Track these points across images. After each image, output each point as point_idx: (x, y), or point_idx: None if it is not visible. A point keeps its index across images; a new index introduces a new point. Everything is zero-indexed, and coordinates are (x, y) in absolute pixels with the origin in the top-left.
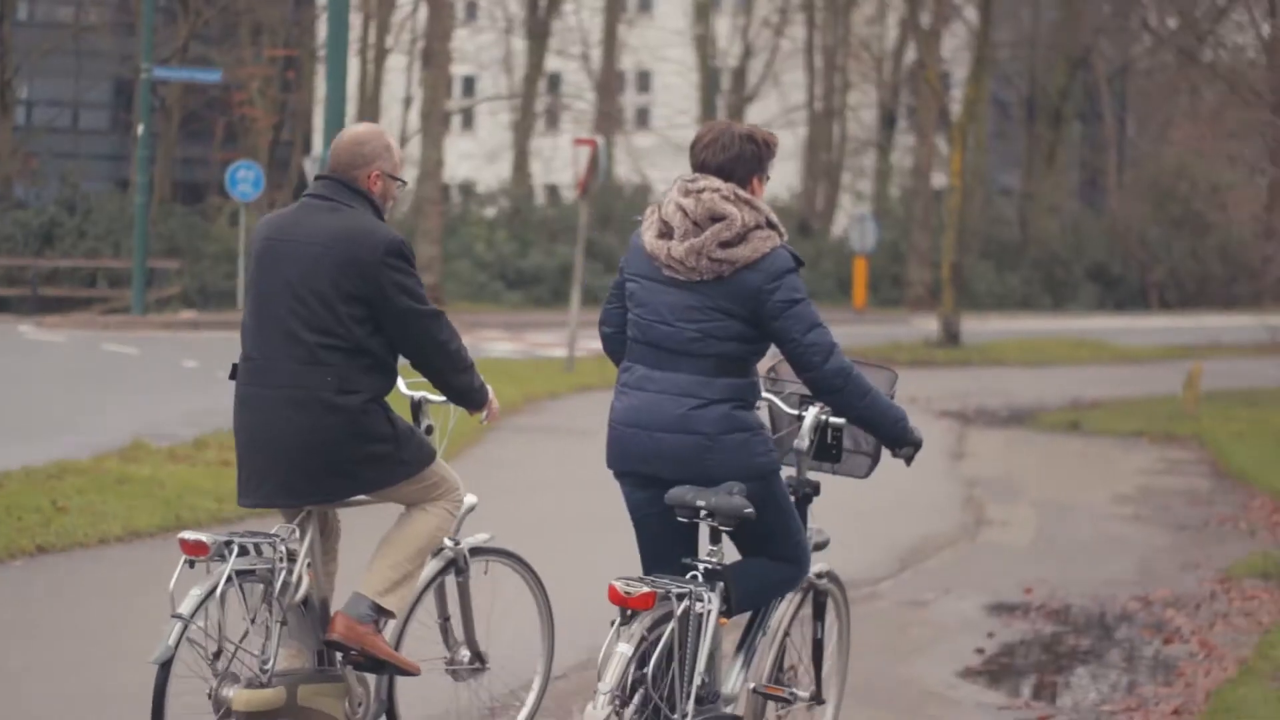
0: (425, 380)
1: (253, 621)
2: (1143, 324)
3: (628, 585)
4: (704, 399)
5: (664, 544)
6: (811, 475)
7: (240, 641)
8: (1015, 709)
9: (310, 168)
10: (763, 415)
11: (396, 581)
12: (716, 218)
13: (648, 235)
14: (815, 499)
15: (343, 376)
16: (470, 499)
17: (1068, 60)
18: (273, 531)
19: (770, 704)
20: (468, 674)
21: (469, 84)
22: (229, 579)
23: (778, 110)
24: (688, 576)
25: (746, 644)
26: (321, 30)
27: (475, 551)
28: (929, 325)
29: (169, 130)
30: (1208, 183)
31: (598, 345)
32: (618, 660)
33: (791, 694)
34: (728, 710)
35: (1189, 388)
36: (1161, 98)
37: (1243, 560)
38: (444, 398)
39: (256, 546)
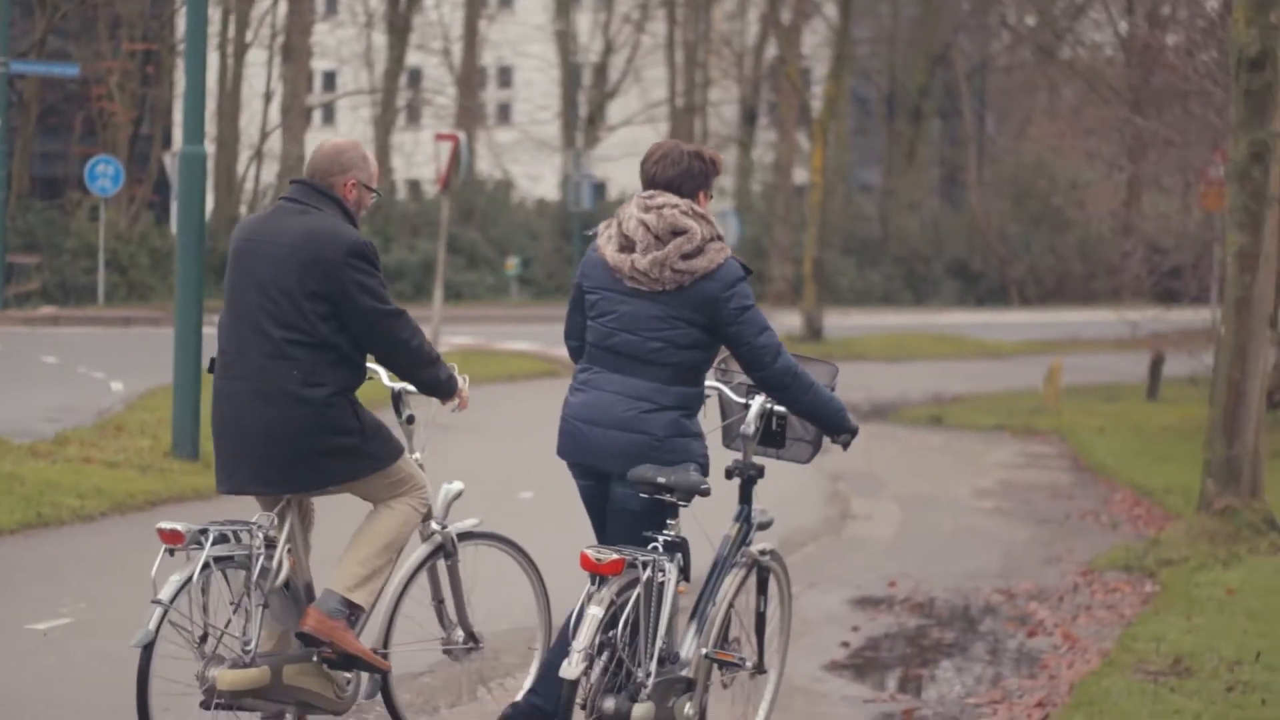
0: None
1: (235, 606)
2: (1003, 319)
3: (598, 553)
4: (657, 404)
5: (609, 524)
6: (757, 460)
7: (225, 626)
8: (881, 702)
9: (170, 162)
10: (712, 404)
11: (365, 577)
12: (678, 231)
13: (609, 249)
14: (759, 481)
15: (308, 370)
16: (457, 485)
17: (927, 57)
18: (253, 520)
19: (716, 668)
20: (463, 653)
21: (330, 79)
22: (208, 565)
23: (639, 106)
24: (649, 548)
25: (698, 613)
26: (181, 24)
27: (464, 536)
28: (792, 320)
29: (26, 124)
30: (1066, 179)
31: (462, 340)
32: (590, 621)
33: (740, 659)
34: (682, 673)
35: (1049, 383)
36: (1020, 95)
37: (1104, 553)
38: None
39: (235, 534)
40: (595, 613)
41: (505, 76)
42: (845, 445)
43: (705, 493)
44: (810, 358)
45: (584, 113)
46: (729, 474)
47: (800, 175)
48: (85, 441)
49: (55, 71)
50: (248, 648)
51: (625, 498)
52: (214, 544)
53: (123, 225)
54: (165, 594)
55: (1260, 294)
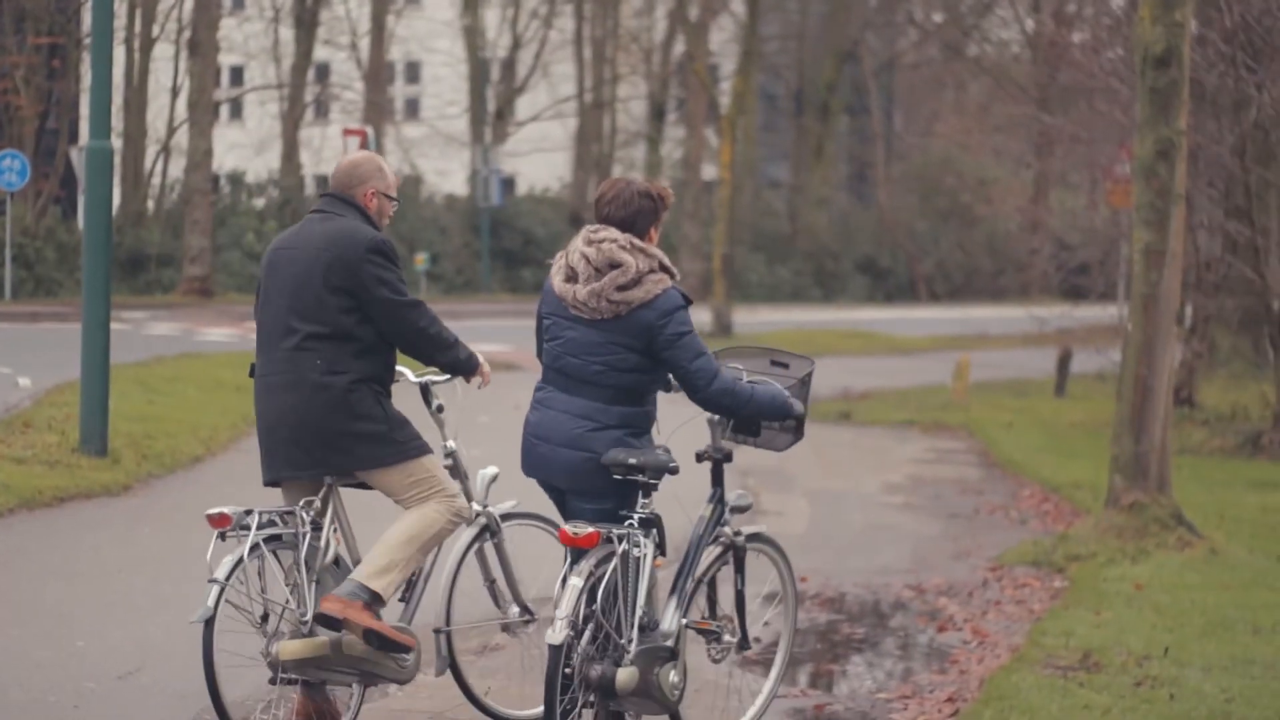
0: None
1: (288, 583)
2: (912, 315)
3: (575, 528)
4: (600, 423)
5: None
6: (733, 446)
7: (284, 603)
8: (792, 697)
9: (77, 157)
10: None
11: (384, 567)
12: (614, 265)
13: (557, 279)
14: (727, 465)
15: (330, 359)
16: (492, 469)
17: (835, 54)
18: (300, 505)
19: (705, 642)
20: (520, 627)
21: (237, 73)
22: (258, 546)
23: (547, 101)
24: (625, 525)
25: (678, 588)
26: (87, 18)
27: (505, 516)
28: (701, 316)
29: None
30: (974, 176)
31: None
32: (571, 591)
33: (718, 627)
34: (665, 643)
35: (958, 378)
36: (928, 92)
37: (1013, 548)
38: (447, 376)
39: (281, 517)
40: (575, 583)
41: (413, 71)
42: (794, 430)
43: (674, 471)
44: (789, 353)
45: (492, 108)
46: (699, 458)
47: (709, 171)
48: None
49: None
50: (304, 619)
51: (578, 511)
52: (260, 526)
53: (29, 220)
54: (220, 573)
55: (1167, 291)
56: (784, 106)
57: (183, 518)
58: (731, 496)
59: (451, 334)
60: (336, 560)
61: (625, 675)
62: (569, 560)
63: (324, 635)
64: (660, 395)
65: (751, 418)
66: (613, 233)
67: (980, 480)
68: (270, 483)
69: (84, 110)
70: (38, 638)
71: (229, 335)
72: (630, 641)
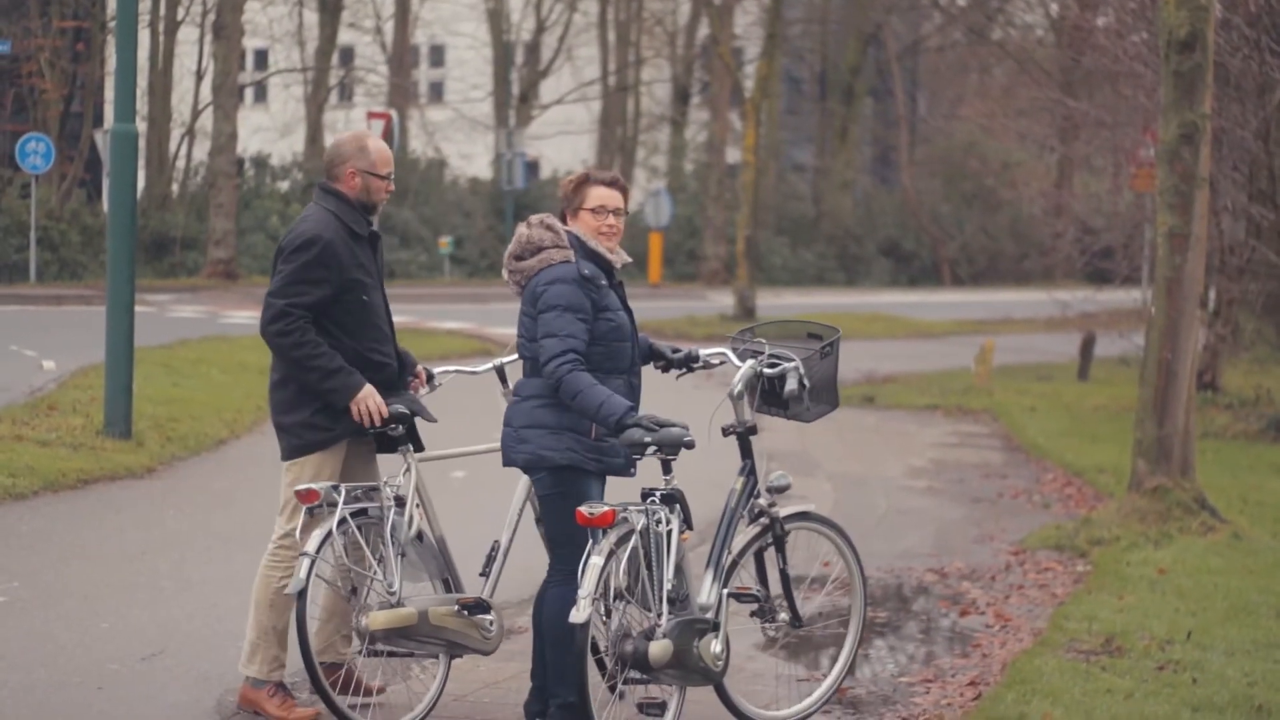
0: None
1: (374, 555)
2: (935, 299)
3: (590, 509)
4: (520, 395)
5: None
6: (755, 420)
7: (371, 575)
8: (815, 681)
9: (102, 140)
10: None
11: (249, 652)
12: (519, 240)
13: None
14: (753, 438)
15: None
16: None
17: (859, 37)
18: (384, 480)
19: (759, 622)
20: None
21: (261, 57)
22: (345, 520)
23: (571, 84)
24: (646, 501)
25: (714, 562)
26: (111, 2)
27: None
28: (725, 300)
29: None
30: (998, 159)
31: (395, 319)
32: (592, 569)
33: (761, 593)
34: (704, 615)
35: (982, 362)
36: (952, 75)
37: (1036, 532)
38: (515, 356)
39: (366, 492)
40: (596, 561)
41: (437, 55)
42: (827, 402)
43: (689, 445)
44: (818, 324)
45: (516, 91)
46: (725, 432)
47: (733, 154)
48: (17, 420)
49: None
50: (392, 590)
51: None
52: (346, 502)
53: (54, 203)
54: (310, 546)
55: (1190, 274)
56: (808, 90)
57: (206, 500)
58: (772, 477)
59: (317, 359)
60: (419, 535)
61: (658, 649)
62: (590, 540)
63: (411, 606)
64: (687, 382)
65: (579, 412)
66: (544, 216)
67: (1003, 464)
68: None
69: (109, 93)
70: (62, 619)
71: (253, 318)
72: (660, 616)
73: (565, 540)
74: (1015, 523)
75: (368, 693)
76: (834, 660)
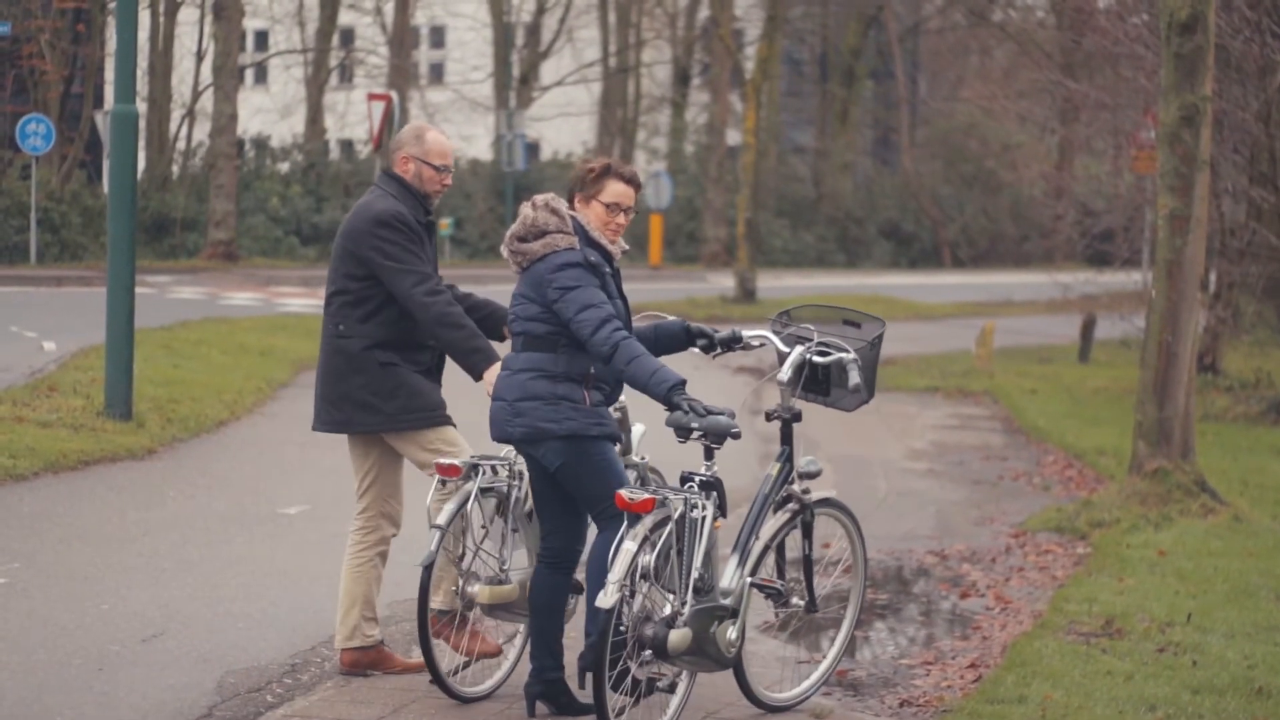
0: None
1: (488, 531)
2: (936, 281)
3: (630, 493)
4: (510, 369)
5: (538, 487)
6: (802, 405)
7: (480, 544)
8: (816, 662)
9: (102, 121)
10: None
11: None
12: (524, 221)
13: None
14: (796, 425)
15: (343, 322)
16: (640, 426)
17: (860, 19)
18: (502, 455)
19: (771, 606)
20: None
21: (262, 38)
22: (475, 495)
23: (572, 66)
24: (685, 487)
25: (740, 547)
26: None
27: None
28: (725, 281)
29: None
30: (999, 141)
31: None
32: (624, 555)
33: (784, 588)
34: (725, 602)
35: (982, 344)
36: (953, 57)
37: (1036, 515)
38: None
39: (495, 468)
40: (630, 547)
41: (438, 36)
42: (863, 391)
43: (736, 435)
44: (860, 313)
45: (517, 73)
46: (768, 417)
47: (733, 136)
48: (18, 401)
49: None
50: (504, 567)
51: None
52: (481, 476)
53: (54, 184)
54: (442, 519)
55: (1191, 257)
56: (809, 72)
57: (207, 481)
58: (802, 461)
59: (460, 317)
60: (530, 513)
61: (677, 637)
62: (625, 524)
63: (514, 581)
64: (715, 364)
65: (629, 381)
66: (546, 196)
67: (1004, 446)
68: (316, 429)
69: (109, 75)
70: (62, 600)
71: (253, 299)
72: (685, 604)
73: (596, 500)
74: (1015, 505)
75: (485, 654)
76: (834, 642)
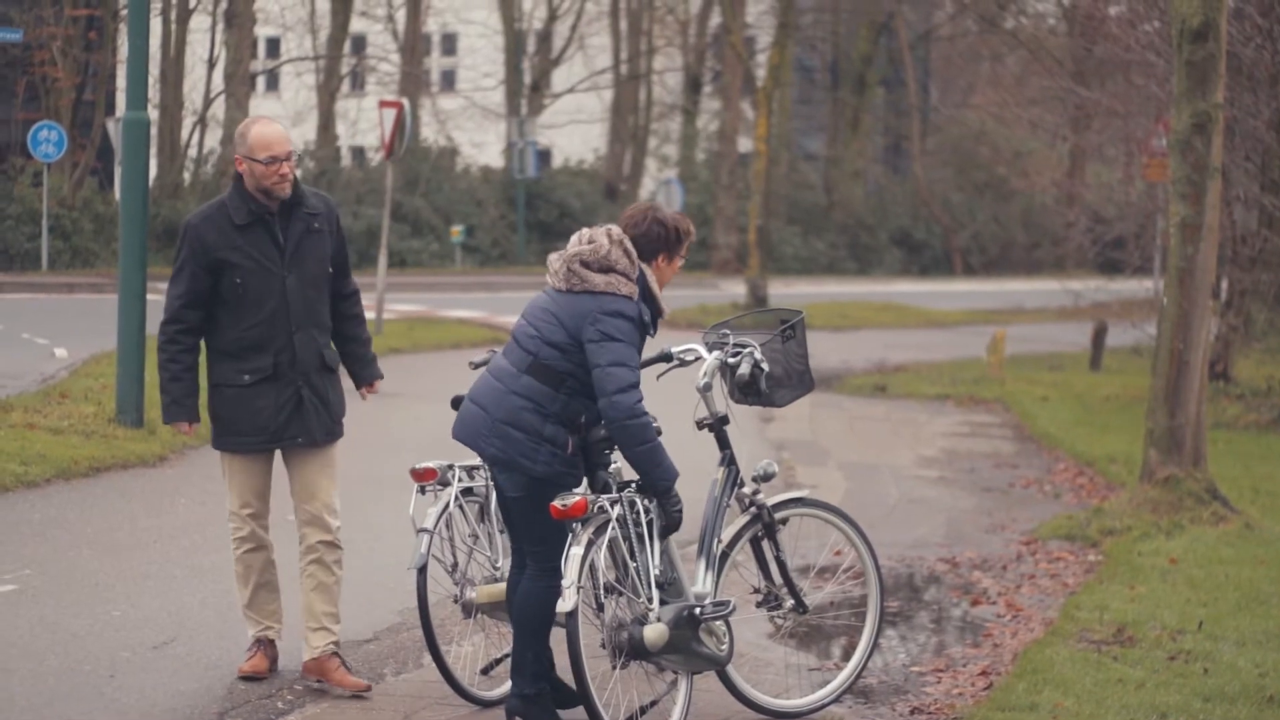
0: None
1: (475, 534)
2: (947, 289)
3: (562, 500)
4: (504, 385)
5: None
6: (737, 407)
7: (472, 548)
8: (826, 670)
9: (114, 128)
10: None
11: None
12: (591, 243)
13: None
14: (726, 427)
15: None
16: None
17: (871, 26)
18: (477, 462)
19: (766, 610)
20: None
21: (273, 45)
22: (456, 498)
23: (583, 73)
24: (619, 490)
25: (704, 551)
26: None
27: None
28: (737, 289)
29: None
30: (1010, 149)
31: (407, 308)
32: (574, 559)
33: (767, 589)
34: (699, 603)
35: (993, 352)
36: (964, 64)
37: (1048, 522)
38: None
39: (470, 472)
40: (576, 551)
41: (449, 43)
42: (798, 385)
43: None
44: (778, 309)
45: (528, 80)
46: (699, 426)
47: (745, 144)
48: (29, 408)
49: None
50: (496, 565)
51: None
52: (459, 480)
53: (66, 191)
54: (429, 523)
55: (1203, 265)
56: (820, 79)
57: (218, 488)
58: (758, 465)
59: (172, 363)
60: None
61: (653, 633)
62: (571, 533)
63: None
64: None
65: (635, 464)
66: (616, 231)
67: (1015, 454)
68: None
69: (121, 82)
70: (74, 607)
71: None
72: (651, 600)
73: (538, 539)
74: (1027, 512)
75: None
76: (846, 650)
